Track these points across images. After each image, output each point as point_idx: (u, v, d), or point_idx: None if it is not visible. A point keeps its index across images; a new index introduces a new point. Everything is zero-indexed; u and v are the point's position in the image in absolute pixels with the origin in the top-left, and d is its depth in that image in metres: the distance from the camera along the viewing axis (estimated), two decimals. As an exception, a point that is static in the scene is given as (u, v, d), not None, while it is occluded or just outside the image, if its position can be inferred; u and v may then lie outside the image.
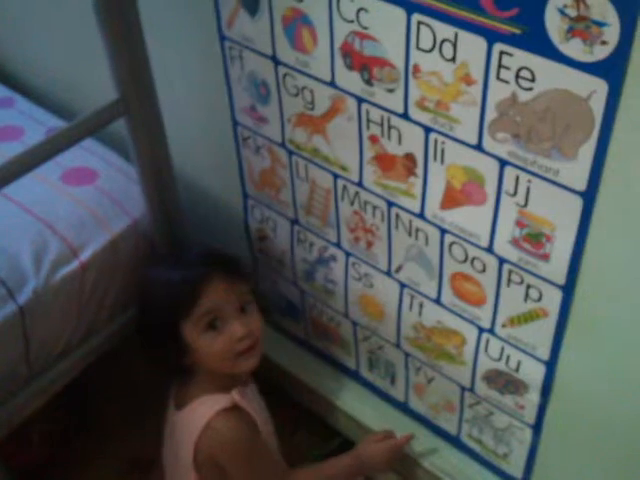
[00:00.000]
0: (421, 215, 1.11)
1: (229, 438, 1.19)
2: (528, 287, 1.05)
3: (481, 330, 1.17)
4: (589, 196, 0.89)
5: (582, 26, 0.77)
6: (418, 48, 0.93)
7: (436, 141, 1.01)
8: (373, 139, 1.09)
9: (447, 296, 1.18)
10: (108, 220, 1.33)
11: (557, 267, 0.99)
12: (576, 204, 0.91)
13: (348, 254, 1.29)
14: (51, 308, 1.25)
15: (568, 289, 1.00)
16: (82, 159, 1.42)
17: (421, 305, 1.23)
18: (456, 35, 0.88)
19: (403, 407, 1.45)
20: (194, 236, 1.48)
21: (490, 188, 0.99)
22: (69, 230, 1.30)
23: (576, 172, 0.88)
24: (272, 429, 1.34)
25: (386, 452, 1.37)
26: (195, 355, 1.21)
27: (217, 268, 1.21)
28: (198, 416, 1.20)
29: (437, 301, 1.20)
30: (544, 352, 1.10)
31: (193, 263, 1.24)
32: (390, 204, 1.14)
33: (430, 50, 0.92)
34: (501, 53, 0.85)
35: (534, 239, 0.99)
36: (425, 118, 0.99)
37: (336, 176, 1.19)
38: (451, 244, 1.10)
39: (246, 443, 1.21)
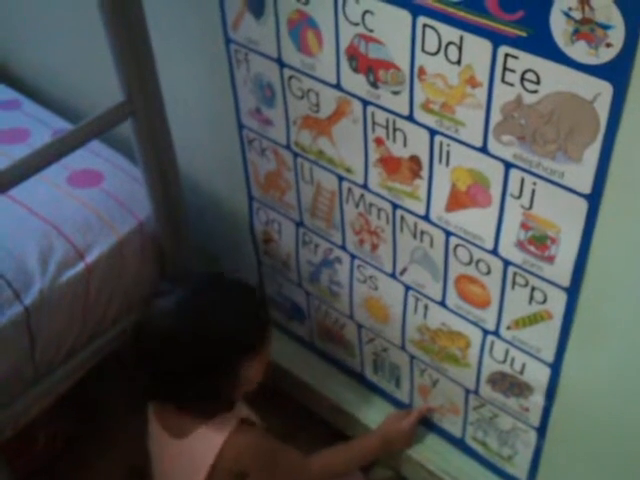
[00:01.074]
0: (426, 217, 1.11)
1: (251, 454, 1.19)
2: (533, 289, 1.05)
3: (486, 332, 1.17)
4: (594, 199, 0.89)
5: (587, 29, 0.77)
6: (423, 51, 0.93)
7: (441, 143, 1.01)
8: (378, 141, 1.09)
9: (452, 298, 1.18)
10: (114, 222, 1.34)
11: (562, 269, 0.99)
12: (581, 207, 0.91)
13: (353, 256, 1.30)
14: (57, 309, 1.25)
15: (573, 291, 1.00)
16: (88, 161, 1.43)
17: (426, 307, 1.24)
18: (461, 38, 0.88)
19: (408, 409, 1.45)
20: (199, 238, 1.48)
21: (495, 190, 0.99)
22: (75, 232, 1.30)
23: (581, 174, 0.89)
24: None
25: (411, 430, 1.40)
26: (237, 385, 1.18)
27: (266, 303, 1.25)
28: (209, 444, 1.17)
29: (442, 303, 1.20)
30: (549, 354, 1.10)
31: (250, 295, 1.22)
32: (395, 206, 1.15)
33: (435, 53, 0.92)
34: (506, 56, 0.86)
35: (539, 241, 0.99)
36: (430, 120, 1.00)
37: (341, 178, 1.19)
38: (456, 246, 1.11)
39: (266, 450, 1.21)
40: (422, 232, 1.14)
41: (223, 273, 1.25)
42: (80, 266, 1.28)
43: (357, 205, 1.21)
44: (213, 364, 1.12)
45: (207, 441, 1.17)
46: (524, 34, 0.82)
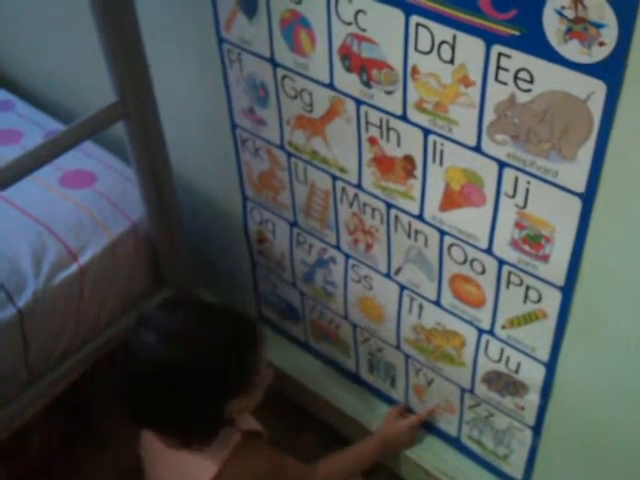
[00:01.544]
0: (420, 217, 1.11)
1: (249, 475, 1.14)
2: (527, 288, 1.05)
3: (481, 331, 1.17)
4: (588, 197, 0.89)
5: (580, 27, 0.77)
6: (416, 50, 0.93)
7: (435, 143, 1.00)
8: (372, 141, 1.09)
9: (447, 298, 1.18)
10: (107, 223, 1.33)
11: (556, 268, 0.99)
12: (575, 205, 0.91)
13: (347, 256, 1.29)
14: (50, 311, 1.25)
15: (567, 290, 1.00)
16: (81, 162, 1.42)
17: (421, 307, 1.23)
18: (454, 37, 0.88)
19: (401, 404, 1.45)
20: (193, 238, 1.48)
21: (489, 190, 0.99)
22: (68, 233, 1.30)
23: (575, 173, 0.88)
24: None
25: (411, 429, 1.39)
26: (231, 415, 1.11)
27: (261, 338, 1.12)
28: (204, 466, 1.11)
29: (437, 303, 1.20)
30: (544, 353, 1.10)
31: (241, 340, 1.10)
32: (389, 206, 1.14)
33: (428, 52, 0.92)
34: (499, 55, 0.85)
35: (533, 240, 0.99)
36: (424, 120, 0.99)
37: (335, 178, 1.19)
38: (450, 246, 1.10)
39: (266, 473, 1.16)
40: (416, 231, 1.14)
41: (219, 305, 1.17)
42: (73, 267, 1.27)
43: (351, 205, 1.20)
44: (199, 404, 1.05)
45: (205, 458, 1.11)
46: (517, 33, 0.82)
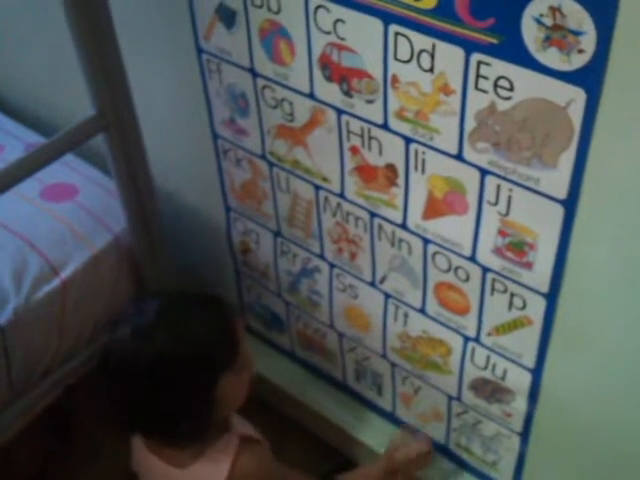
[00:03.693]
0: (404, 225, 1.11)
1: (258, 473, 1.12)
2: (512, 295, 1.05)
3: (467, 339, 1.17)
4: (570, 204, 0.89)
5: (559, 35, 0.77)
6: (396, 59, 0.93)
7: (416, 151, 1.00)
8: (354, 150, 1.08)
9: (432, 306, 1.17)
10: (89, 236, 1.32)
11: (540, 275, 0.99)
12: (557, 212, 0.91)
13: (332, 265, 1.29)
14: (32, 327, 1.23)
15: (552, 297, 1.00)
16: (62, 175, 1.41)
17: (406, 315, 1.23)
18: (434, 46, 0.88)
19: (390, 417, 1.45)
20: (176, 250, 1.47)
21: (472, 197, 0.99)
22: (49, 247, 1.29)
23: (556, 180, 0.88)
24: None
25: (416, 454, 1.35)
26: (221, 403, 1.07)
27: (234, 312, 1.11)
28: (216, 470, 1.09)
29: (422, 311, 1.20)
30: (530, 360, 1.10)
31: (214, 312, 1.08)
32: (372, 215, 1.14)
33: (408, 61, 0.91)
34: (479, 63, 0.85)
35: (517, 248, 0.99)
36: (405, 128, 0.99)
37: (318, 187, 1.18)
38: (434, 254, 1.10)
39: (272, 472, 1.16)
40: (400, 240, 1.13)
41: (188, 289, 1.15)
42: (55, 282, 1.26)
43: (334, 214, 1.20)
44: (183, 387, 1.02)
45: (213, 468, 1.09)
46: (496, 41, 0.82)
